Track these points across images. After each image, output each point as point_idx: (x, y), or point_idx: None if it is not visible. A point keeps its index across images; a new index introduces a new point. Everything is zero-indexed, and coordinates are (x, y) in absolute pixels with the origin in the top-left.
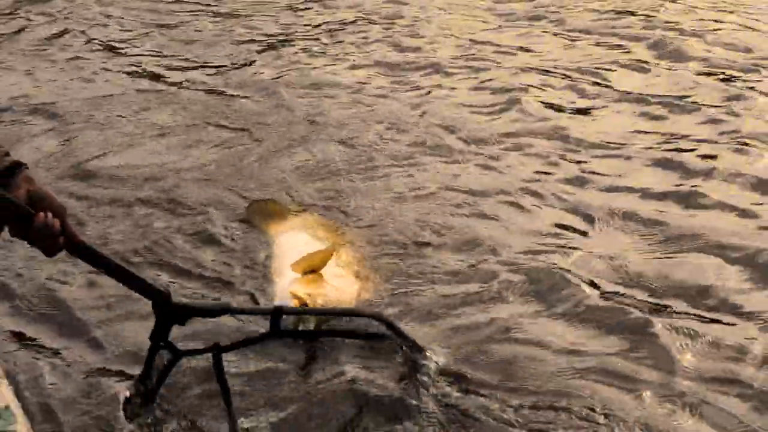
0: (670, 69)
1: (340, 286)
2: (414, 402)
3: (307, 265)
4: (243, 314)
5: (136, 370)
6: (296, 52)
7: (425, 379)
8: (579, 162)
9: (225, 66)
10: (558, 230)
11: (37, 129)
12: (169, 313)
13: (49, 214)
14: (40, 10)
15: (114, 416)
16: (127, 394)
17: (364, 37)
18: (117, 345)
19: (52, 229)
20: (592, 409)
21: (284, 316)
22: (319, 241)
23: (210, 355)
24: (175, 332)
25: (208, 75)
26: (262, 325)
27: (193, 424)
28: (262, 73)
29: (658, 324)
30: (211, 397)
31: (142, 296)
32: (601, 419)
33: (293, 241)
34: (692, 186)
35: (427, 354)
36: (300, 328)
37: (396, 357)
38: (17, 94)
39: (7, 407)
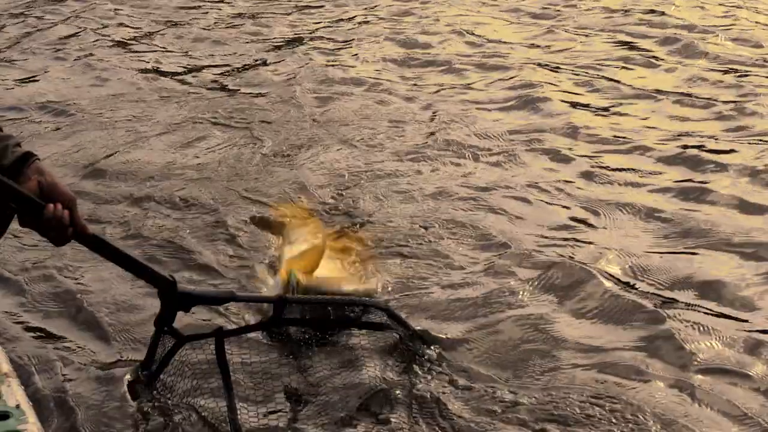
0: (680, 65)
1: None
2: (414, 393)
3: (302, 265)
4: (247, 302)
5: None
6: (306, 51)
7: (426, 369)
8: (590, 157)
9: (235, 64)
10: (571, 224)
11: (45, 127)
12: (174, 299)
13: (59, 205)
14: (52, 9)
15: (125, 413)
16: (130, 377)
17: (373, 35)
18: (127, 340)
19: (62, 221)
20: (602, 404)
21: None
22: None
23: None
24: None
25: (217, 74)
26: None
27: (193, 409)
28: (272, 71)
29: (671, 318)
30: (212, 383)
31: (149, 284)
32: (612, 413)
33: (296, 245)
34: (703, 181)
35: (428, 343)
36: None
37: (397, 346)
38: (26, 93)
39: (17, 406)
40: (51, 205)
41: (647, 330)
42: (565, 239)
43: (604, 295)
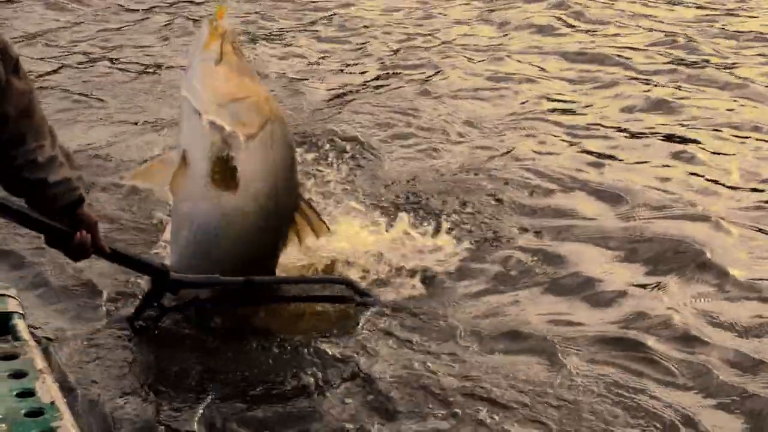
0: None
1: None
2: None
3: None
4: (223, 285)
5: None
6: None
7: (386, 340)
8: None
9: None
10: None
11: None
12: (165, 285)
13: (84, 232)
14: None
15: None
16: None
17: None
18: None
19: (85, 245)
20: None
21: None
22: None
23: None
24: None
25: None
26: None
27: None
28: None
29: None
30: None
31: (147, 276)
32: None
33: None
34: None
35: (391, 310)
36: None
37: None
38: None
39: (52, 403)
40: (78, 235)
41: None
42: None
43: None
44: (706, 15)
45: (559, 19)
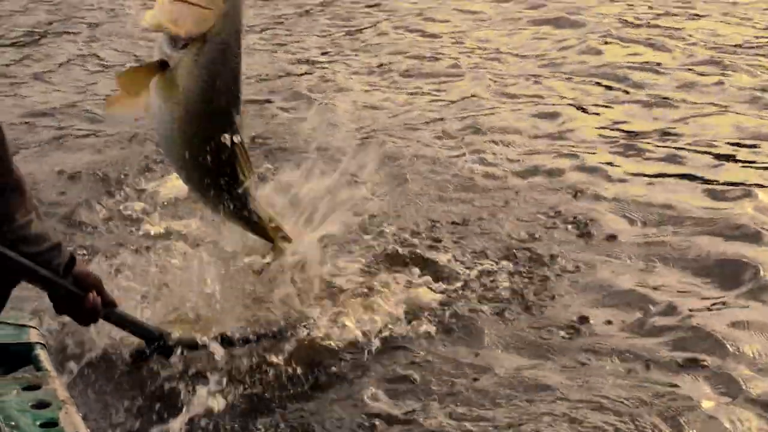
0: None
1: None
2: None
3: None
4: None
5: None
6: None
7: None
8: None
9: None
10: None
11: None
12: (161, 348)
13: (94, 292)
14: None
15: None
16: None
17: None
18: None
19: (98, 309)
20: None
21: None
22: None
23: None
24: None
25: None
26: None
27: None
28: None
29: None
30: None
31: (148, 340)
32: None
33: None
34: None
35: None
36: None
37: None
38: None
39: None
40: (90, 296)
41: None
42: None
43: None
44: (731, 32)
45: (583, 37)
